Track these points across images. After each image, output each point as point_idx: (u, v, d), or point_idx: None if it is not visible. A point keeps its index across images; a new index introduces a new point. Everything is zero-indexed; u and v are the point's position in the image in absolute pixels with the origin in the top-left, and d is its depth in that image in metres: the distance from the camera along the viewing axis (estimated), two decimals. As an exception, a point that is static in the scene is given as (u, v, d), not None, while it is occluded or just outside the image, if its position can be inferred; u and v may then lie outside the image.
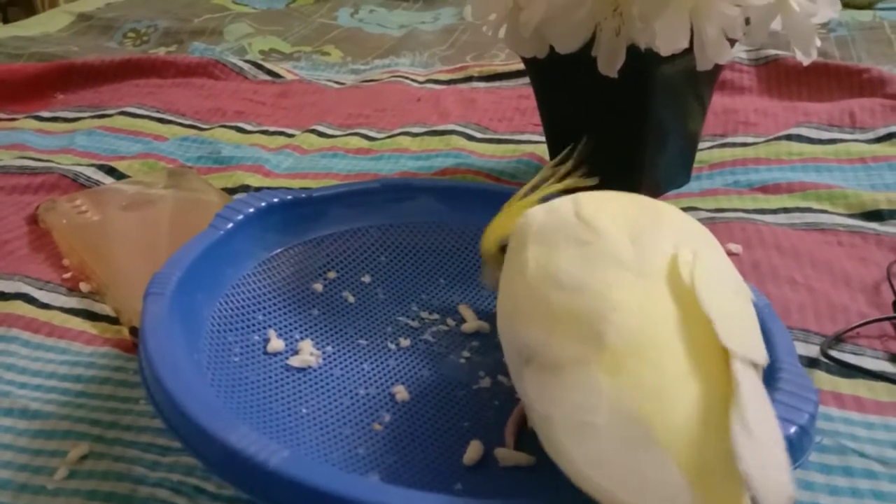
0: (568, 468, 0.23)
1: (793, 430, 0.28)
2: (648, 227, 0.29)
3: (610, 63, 0.45)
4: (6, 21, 1.16)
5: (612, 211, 0.30)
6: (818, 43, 0.47)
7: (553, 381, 0.25)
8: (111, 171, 0.59)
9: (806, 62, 0.47)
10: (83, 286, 0.46)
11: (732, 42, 0.46)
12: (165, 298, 0.33)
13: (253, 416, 0.33)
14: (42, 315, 0.43)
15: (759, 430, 0.22)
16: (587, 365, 0.24)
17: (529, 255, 0.29)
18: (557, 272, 0.27)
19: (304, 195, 0.44)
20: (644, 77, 0.47)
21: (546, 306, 0.27)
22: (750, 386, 0.23)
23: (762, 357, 0.26)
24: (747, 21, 0.46)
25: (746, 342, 0.25)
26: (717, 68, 0.51)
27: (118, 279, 0.45)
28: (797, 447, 0.28)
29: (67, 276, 0.47)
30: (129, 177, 0.59)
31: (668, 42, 0.43)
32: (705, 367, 0.24)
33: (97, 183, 0.58)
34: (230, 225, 0.40)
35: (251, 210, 0.41)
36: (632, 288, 0.26)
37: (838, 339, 0.39)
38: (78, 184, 0.57)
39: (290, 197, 0.43)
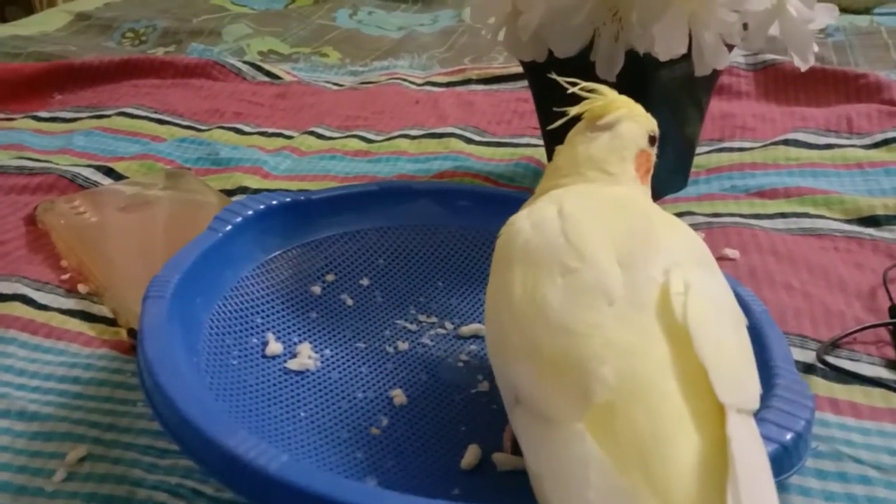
0: None
1: (789, 436, 0.28)
2: (639, 249, 0.28)
3: (608, 68, 0.45)
4: (4, 20, 1.16)
5: (600, 229, 0.29)
6: (816, 48, 0.48)
7: (542, 436, 0.24)
8: (109, 172, 0.59)
9: (803, 68, 0.48)
10: (81, 287, 0.46)
11: (730, 47, 0.47)
12: (164, 301, 0.33)
13: (251, 420, 0.33)
14: (40, 316, 0.43)
15: None
16: (575, 423, 0.24)
17: (516, 277, 0.28)
18: (544, 306, 0.26)
19: (302, 198, 0.44)
20: (642, 82, 0.47)
21: (533, 347, 0.26)
22: (746, 448, 0.23)
23: (757, 400, 0.25)
24: (745, 27, 0.46)
25: (742, 389, 0.25)
26: (715, 73, 0.51)
27: (116, 280, 0.45)
28: (793, 453, 0.28)
29: (65, 277, 0.47)
30: (127, 178, 0.59)
31: (666, 47, 0.43)
32: (700, 411, 0.24)
33: (95, 184, 0.58)
34: (229, 227, 0.40)
35: (250, 213, 0.41)
36: (620, 326, 0.25)
37: (834, 345, 0.39)
38: (76, 184, 0.57)
39: (288, 199, 0.43)
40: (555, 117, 0.35)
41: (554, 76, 0.35)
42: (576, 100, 0.35)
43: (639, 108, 0.36)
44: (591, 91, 0.35)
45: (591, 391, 0.24)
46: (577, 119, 0.35)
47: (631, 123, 0.35)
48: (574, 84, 0.35)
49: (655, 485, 0.22)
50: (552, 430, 0.24)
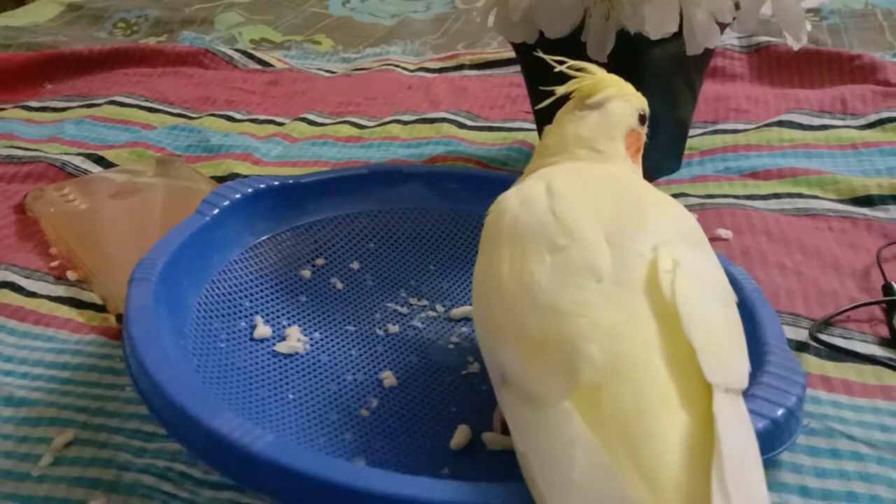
0: None
1: (780, 412, 0.28)
2: (628, 227, 0.28)
3: (599, 48, 0.45)
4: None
5: (589, 204, 0.29)
6: (809, 28, 0.47)
7: (528, 415, 0.24)
8: (99, 160, 0.59)
9: (796, 47, 0.47)
10: (70, 274, 0.45)
11: (722, 27, 0.46)
12: (150, 284, 0.33)
13: (239, 402, 0.33)
14: (29, 303, 0.43)
15: (739, 495, 0.21)
16: (561, 403, 0.23)
17: (503, 255, 0.28)
18: (532, 285, 0.26)
19: (291, 181, 0.44)
20: (634, 62, 0.47)
21: (520, 326, 0.26)
22: (732, 429, 0.22)
23: (745, 380, 0.25)
24: (737, 6, 0.46)
25: (729, 369, 0.24)
26: (708, 53, 0.50)
27: (105, 267, 0.44)
28: (784, 430, 0.28)
29: (55, 264, 0.47)
30: (117, 165, 0.58)
31: (657, 26, 0.43)
32: (688, 391, 0.23)
33: (85, 172, 0.57)
34: (216, 211, 0.39)
35: (238, 196, 0.41)
36: (608, 305, 0.25)
37: (827, 323, 0.39)
38: (66, 172, 0.57)
39: (277, 183, 0.43)
40: (545, 98, 0.34)
41: (540, 54, 0.35)
42: (565, 79, 0.35)
43: (628, 87, 0.36)
44: (579, 70, 0.35)
45: (578, 370, 0.24)
46: (566, 99, 0.35)
47: (620, 102, 0.34)
48: (562, 63, 0.34)
49: (640, 464, 0.22)
50: (538, 410, 0.24)
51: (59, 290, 0.44)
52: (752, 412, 0.27)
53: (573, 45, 0.45)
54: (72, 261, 0.46)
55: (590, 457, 0.22)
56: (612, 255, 0.27)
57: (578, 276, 0.26)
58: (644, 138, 0.36)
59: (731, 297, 0.28)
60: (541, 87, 0.34)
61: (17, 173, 0.57)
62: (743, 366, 0.26)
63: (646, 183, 0.33)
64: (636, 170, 0.35)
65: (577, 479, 0.22)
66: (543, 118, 0.57)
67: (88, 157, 0.59)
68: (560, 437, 0.23)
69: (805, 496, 0.30)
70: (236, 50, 0.81)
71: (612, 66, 0.44)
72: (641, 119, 0.35)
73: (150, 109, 0.69)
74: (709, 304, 0.26)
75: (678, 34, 0.44)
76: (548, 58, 0.34)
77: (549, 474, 0.23)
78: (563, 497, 0.22)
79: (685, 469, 0.22)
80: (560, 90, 0.34)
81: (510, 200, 0.31)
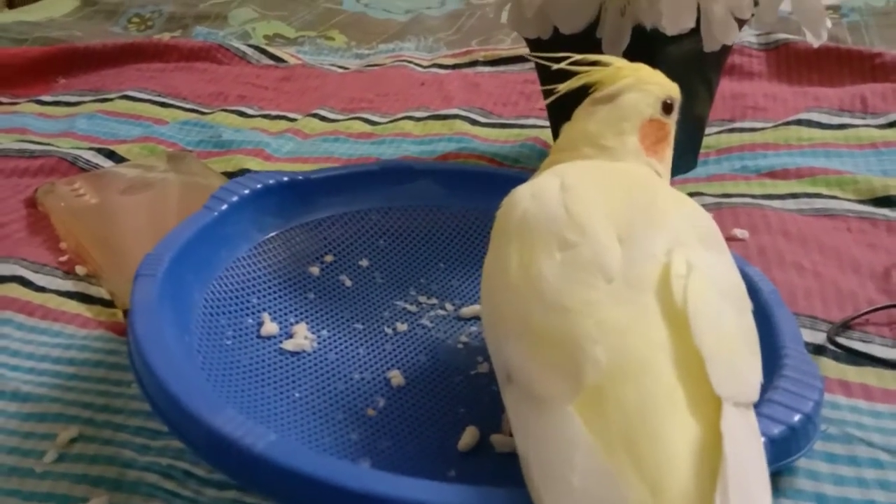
0: None
1: (797, 418, 0.27)
2: (641, 225, 0.27)
3: (615, 44, 0.44)
4: (12, 6, 1.15)
5: (602, 201, 0.28)
6: (829, 24, 0.46)
7: (531, 415, 0.24)
8: (111, 155, 0.59)
9: (816, 44, 0.46)
10: (79, 269, 0.45)
11: (740, 23, 0.45)
12: (156, 280, 0.33)
13: (245, 400, 0.32)
14: (37, 298, 0.43)
15: None
16: (564, 404, 0.23)
17: (513, 250, 0.27)
18: (540, 281, 0.26)
19: (301, 177, 0.43)
20: (650, 58, 0.45)
21: (526, 324, 0.25)
22: (740, 446, 0.21)
23: (756, 393, 0.24)
24: (756, 1, 0.45)
25: (740, 381, 0.24)
26: (725, 50, 0.50)
27: (115, 262, 0.44)
28: (801, 435, 0.27)
29: (64, 259, 0.46)
30: (128, 160, 0.58)
31: (674, 22, 0.42)
32: (696, 398, 0.23)
33: (96, 166, 0.57)
34: (225, 206, 0.39)
35: (247, 192, 0.40)
36: (616, 305, 0.24)
37: (846, 326, 0.38)
38: (77, 167, 0.57)
39: (286, 179, 0.42)
40: (561, 96, 0.33)
41: (536, 58, 0.34)
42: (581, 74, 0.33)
43: (650, 74, 0.34)
44: (594, 63, 0.33)
45: (583, 371, 0.23)
46: (584, 94, 0.34)
47: (634, 93, 0.33)
48: (570, 57, 0.33)
49: (642, 466, 0.21)
50: (541, 411, 0.23)
51: (68, 285, 0.44)
52: (768, 417, 0.27)
53: (588, 41, 0.44)
54: (81, 255, 0.46)
55: (590, 461, 0.22)
56: (622, 255, 0.26)
57: (587, 275, 0.25)
58: (670, 127, 0.34)
59: (747, 304, 0.27)
60: (542, 88, 0.33)
61: (29, 167, 0.57)
62: (754, 378, 0.25)
63: (660, 180, 0.32)
64: (654, 164, 0.33)
65: (576, 483, 0.21)
66: (557, 115, 0.57)
67: (100, 151, 0.59)
68: (560, 439, 0.22)
69: (822, 504, 0.29)
70: (249, 45, 0.81)
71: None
72: (666, 107, 0.33)
73: (163, 104, 0.68)
74: (721, 311, 0.25)
75: (695, 30, 0.43)
76: (546, 57, 0.33)
77: (548, 477, 0.22)
78: (560, 501, 0.21)
79: (689, 475, 0.21)
80: (562, 87, 0.33)
81: (522, 193, 0.30)
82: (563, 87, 0.33)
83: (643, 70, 0.34)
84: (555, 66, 0.33)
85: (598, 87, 0.33)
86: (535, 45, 0.51)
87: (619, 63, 0.34)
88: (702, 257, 0.26)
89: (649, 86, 0.33)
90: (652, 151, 0.33)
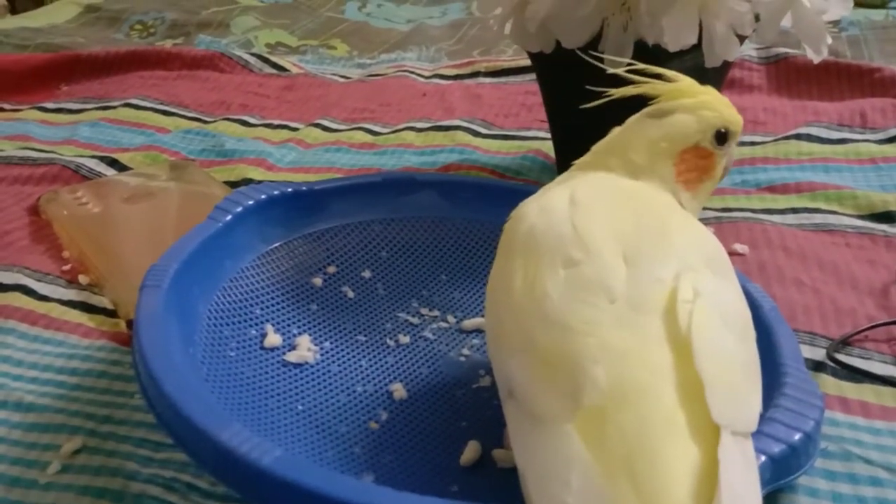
0: None
1: (797, 436, 0.28)
2: (648, 247, 0.27)
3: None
4: (14, 11, 1.16)
5: (610, 220, 0.28)
6: (829, 40, 0.47)
7: (530, 432, 0.24)
8: (113, 163, 0.59)
9: (816, 60, 0.47)
10: (82, 278, 0.45)
11: (742, 39, 0.46)
12: (161, 291, 0.33)
13: (248, 412, 0.33)
14: (40, 307, 0.43)
15: None
16: (563, 423, 0.23)
17: (517, 265, 0.28)
18: (543, 298, 0.26)
19: (304, 188, 0.43)
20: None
21: (529, 340, 0.25)
22: (736, 477, 0.22)
23: (755, 423, 0.24)
24: (757, 17, 0.45)
25: (739, 410, 0.24)
26: (726, 65, 0.50)
27: (117, 271, 0.44)
28: (802, 454, 0.28)
29: (67, 267, 0.46)
30: (131, 169, 0.58)
31: (676, 38, 0.42)
32: (696, 424, 0.23)
33: (99, 174, 0.57)
34: (229, 217, 0.39)
35: (251, 202, 0.41)
36: (619, 326, 0.24)
37: (845, 343, 0.39)
38: (80, 175, 0.57)
39: (290, 189, 0.43)
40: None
41: (590, 58, 0.32)
42: (619, 83, 0.31)
43: (714, 101, 0.31)
44: (656, 77, 0.31)
45: (582, 392, 0.23)
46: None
47: (686, 115, 0.31)
48: (634, 64, 0.31)
49: (642, 492, 0.21)
50: (539, 428, 0.23)
51: (71, 294, 0.44)
52: (769, 435, 0.27)
53: (590, 56, 0.44)
54: (84, 264, 0.46)
55: (586, 481, 0.22)
56: (628, 276, 0.26)
57: (591, 294, 0.25)
58: (717, 159, 0.31)
59: (751, 333, 0.27)
60: (588, 87, 0.31)
61: (32, 175, 0.57)
62: (754, 407, 0.25)
63: (674, 204, 0.31)
64: (685, 192, 0.31)
65: (572, 503, 0.21)
66: (559, 127, 0.57)
67: (102, 159, 0.59)
68: (558, 458, 0.22)
69: (821, 521, 0.29)
70: (252, 54, 0.81)
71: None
72: (720, 137, 0.31)
73: (165, 112, 0.69)
74: (725, 339, 0.25)
75: (697, 46, 0.43)
76: (596, 57, 0.32)
77: (544, 496, 0.22)
78: None
79: (685, 501, 0.21)
80: (616, 92, 0.31)
81: (530, 207, 0.30)
82: (617, 93, 0.31)
83: (709, 94, 0.32)
84: (610, 70, 0.31)
85: (658, 101, 0.32)
86: (537, 58, 0.51)
87: (686, 81, 0.32)
88: (709, 284, 0.26)
89: (706, 112, 0.31)
90: (684, 179, 0.31)
